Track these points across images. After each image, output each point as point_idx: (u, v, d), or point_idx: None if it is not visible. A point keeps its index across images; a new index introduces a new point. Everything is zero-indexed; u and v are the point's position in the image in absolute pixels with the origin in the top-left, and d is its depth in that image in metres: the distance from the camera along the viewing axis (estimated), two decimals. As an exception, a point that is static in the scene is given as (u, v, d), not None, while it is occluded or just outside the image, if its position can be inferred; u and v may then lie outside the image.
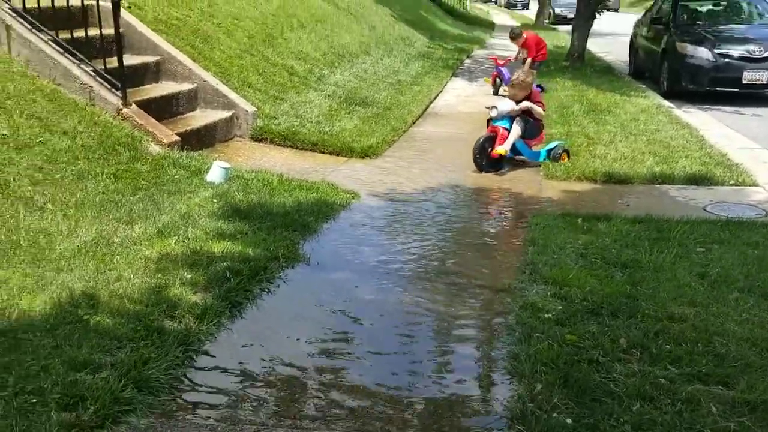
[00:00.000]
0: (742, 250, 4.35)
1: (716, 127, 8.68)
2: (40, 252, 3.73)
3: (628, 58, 14.82)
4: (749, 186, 6.02)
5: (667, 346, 3.11)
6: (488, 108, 6.70)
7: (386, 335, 3.41)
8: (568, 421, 2.55)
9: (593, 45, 17.71)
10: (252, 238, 4.27)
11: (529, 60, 10.71)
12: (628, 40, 14.88)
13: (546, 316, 3.45)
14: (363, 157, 6.91)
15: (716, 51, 10.66)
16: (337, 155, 6.93)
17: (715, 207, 5.44)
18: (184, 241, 4.10)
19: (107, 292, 3.36)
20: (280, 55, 9.55)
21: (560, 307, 3.54)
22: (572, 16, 18.27)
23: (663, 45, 11.60)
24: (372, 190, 5.78)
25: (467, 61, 15.95)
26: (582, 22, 14.85)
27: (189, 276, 3.65)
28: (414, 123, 8.69)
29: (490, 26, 30.11)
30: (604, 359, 3.02)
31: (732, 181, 6.07)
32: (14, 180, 4.44)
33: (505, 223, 5.29)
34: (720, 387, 2.80)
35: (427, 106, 9.87)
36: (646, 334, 3.23)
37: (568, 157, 6.70)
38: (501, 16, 41.06)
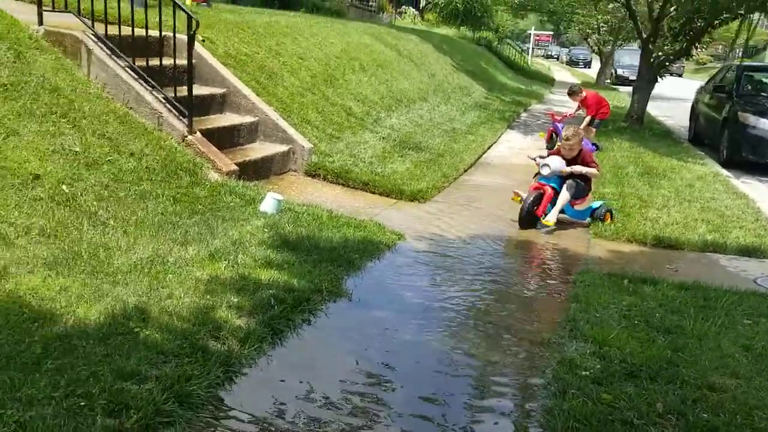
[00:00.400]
0: (790, 327, 4.25)
1: (774, 200, 8.50)
2: (99, 264, 3.92)
3: (688, 124, 14.69)
4: (804, 262, 5.88)
5: (705, 415, 3.07)
6: (537, 163, 6.56)
7: (421, 380, 3.44)
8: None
9: (654, 108, 17.64)
10: (298, 270, 4.39)
11: (587, 118, 10.76)
12: (689, 105, 14.78)
13: (583, 373, 3.43)
14: (412, 200, 7.02)
15: (779, 123, 10.50)
16: (387, 196, 7.06)
17: (765, 280, 5.33)
18: (233, 266, 4.24)
19: (158, 308, 3.50)
20: (340, 96, 9.83)
21: (598, 366, 3.53)
22: (633, 77, 18.29)
23: (725, 113, 11.48)
24: (418, 233, 5.86)
25: (524, 115, 16.05)
26: (643, 85, 14.83)
27: (235, 300, 3.77)
28: (465, 171, 8.79)
29: (550, 82, 30.28)
30: (638, 422, 3.00)
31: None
32: (81, 195, 4.69)
33: (549, 278, 5.28)
34: (757, 462, 2.75)
35: (480, 156, 9.96)
36: (684, 401, 3.19)
37: (612, 217, 6.60)
38: (562, 73, 41.22)
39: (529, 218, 6.34)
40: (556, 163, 6.38)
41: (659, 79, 15.14)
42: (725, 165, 10.79)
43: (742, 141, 10.80)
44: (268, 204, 5.55)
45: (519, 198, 6.50)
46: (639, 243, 6.17)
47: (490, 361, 3.66)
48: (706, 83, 14.37)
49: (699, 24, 13.77)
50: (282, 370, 3.31)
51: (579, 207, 6.67)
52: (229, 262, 4.29)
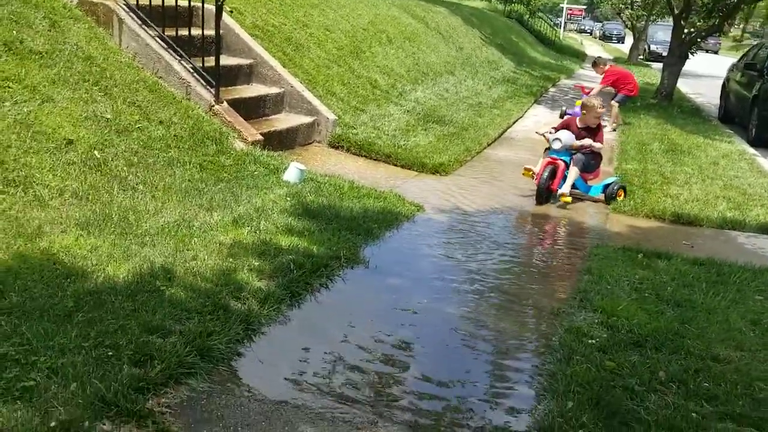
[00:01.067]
0: (802, 304, 4.29)
1: (801, 180, 8.41)
2: (128, 226, 4.11)
3: (718, 102, 14.47)
4: (825, 242, 5.87)
5: (706, 384, 3.16)
6: (547, 138, 6.62)
7: (432, 342, 3.57)
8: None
9: (685, 85, 17.36)
10: (318, 237, 4.53)
11: (602, 88, 10.64)
12: (721, 83, 14.54)
13: (589, 341, 3.54)
14: (433, 174, 7.11)
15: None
16: (409, 169, 7.16)
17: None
18: (255, 232, 4.40)
19: (183, 269, 3.68)
20: (366, 68, 9.90)
21: (605, 335, 3.63)
22: (665, 53, 17.97)
23: (755, 91, 11.30)
24: (437, 206, 5.97)
25: (552, 90, 15.94)
26: (673, 61, 14.60)
27: (257, 264, 3.94)
28: (489, 145, 8.84)
29: (581, 57, 29.80)
30: (639, 389, 3.10)
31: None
32: (112, 160, 4.88)
33: (564, 251, 5.36)
34: (753, 429, 2.84)
35: (505, 131, 9.98)
36: (687, 370, 3.28)
37: (625, 194, 6.62)
38: (594, 48, 40.45)
39: (545, 193, 6.40)
40: (566, 137, 6.43)
41: (690, 55, 14.89)
42: (754, 144, 10.67)
43: (771, 119, 10.66)
44: (292, 173, 5.70)
45: (530, 173, 6.59)
46: (657, 219, 6.21)
47: (500, 328, 3.78)
48: (738, 61, 14.11)
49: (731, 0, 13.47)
50: (299, 330, 3.47)
51: (592, 182, 6.74)
52: (251, 228, 4.45)
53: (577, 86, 13.28)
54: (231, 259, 3.93)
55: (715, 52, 40.80)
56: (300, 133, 7.33)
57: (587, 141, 6.46)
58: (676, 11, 14.36)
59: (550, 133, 6.65)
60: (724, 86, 14.19)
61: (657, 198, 6.63)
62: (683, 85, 16.74)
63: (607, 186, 6.64)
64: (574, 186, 6.49)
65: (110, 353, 2.78)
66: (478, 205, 6.21)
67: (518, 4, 32.00)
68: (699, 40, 14.45)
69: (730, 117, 13.22)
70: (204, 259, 3.85)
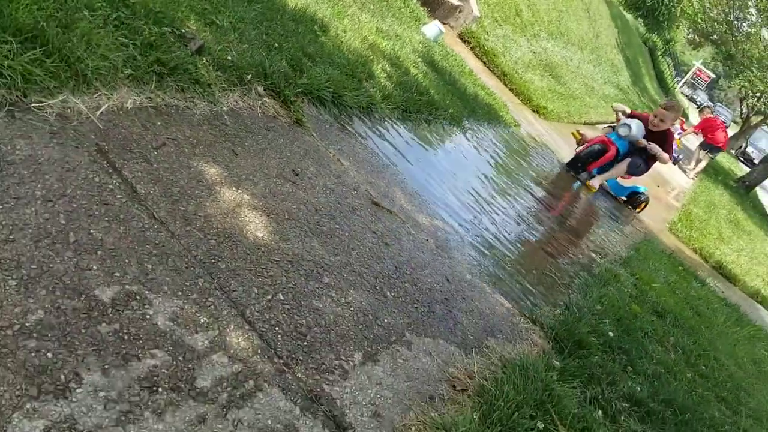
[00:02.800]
0: None
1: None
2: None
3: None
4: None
5: (703, 366, 3.48)
6: (618, 117, 5.86)
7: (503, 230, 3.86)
8: (611, 333, 2.96)
9: (764, 195, 17.24)
10: (436, 85, 4.75)
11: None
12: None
13: (623, 287, 3.82)
14: (534, 112, 7.28)
15: None
16: (516, 95, 7.32)
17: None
18: (392, 49, 4.62)
19: (334, 32, 3.91)
20: (519, -4, 9.89)
21: (635, 293, 3.91)
22: (757, 161, 17.79)
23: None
24: (530, 132, 6.16)
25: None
26: (774, 159, 14.48)
27: (388, 69, 4.18)
28: (585, 124, 8.95)
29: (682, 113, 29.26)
30: (650, 336, 3.40)
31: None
32: None
33: (622, 227, 5.52)
34: (724, 408, 3.16)
35: (600, 123, 10.05)
36: (693, 349, 3.59)
37: (645, 207, 6.31)
38: (693, 117, 39.65)
39: (578, 164, 5.88)
40: (636, 129, 5.67)
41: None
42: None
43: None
44: (431, 29, 5.87)
45: (579, 136, 6.08)
46: (702, 257, 6.43)
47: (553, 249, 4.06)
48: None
49: None
50: (392, 132, 3.74)
51: (624, 182, 6.26)
52: (390, 43, 4.66)
53: (680, 119, 13.89)
54: (370, 52, 4.16)
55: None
56: (443, 7, 7.43)
57: (656, 147, 5.67)
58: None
59: (624, 115, 5.89)
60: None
61: (709, 243, 6.84)
62: (760, 191, 16.66)
63: (634, 193, 6.25)
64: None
65: (276, 46, 3.04)
66: (565, 150, 6.39)
67: (658, 38, 31.25)
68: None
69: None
70: (350, 38, 4.08)
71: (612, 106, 6.22)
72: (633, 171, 5.88)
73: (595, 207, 5.64)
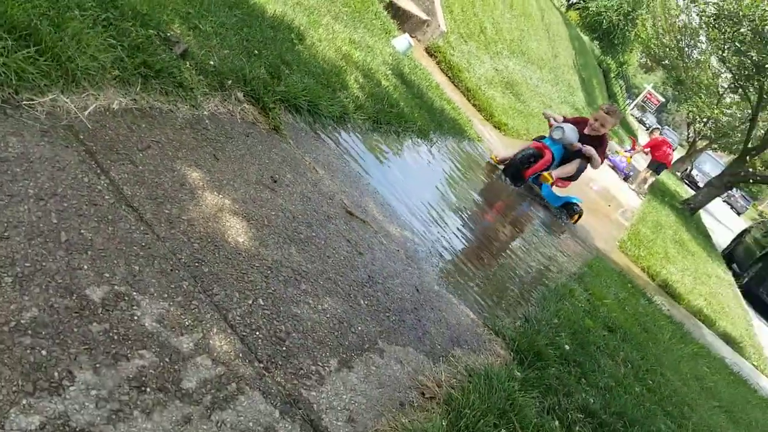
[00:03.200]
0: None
1: None
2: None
3: (727, 243, 15.14)
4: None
5: (651, 381, 3.64)
6: (550, 123, 5.81)
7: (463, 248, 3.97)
8: (566, 347, 3.09)
9: (707, 217, 17.93)
10: (405, 98, 4.85)
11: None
12: (731, 236, 15.28)
13: (577, 302, 3.98)
14: (495, 128, 7.45)
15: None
16: (479, 111, 7.48)
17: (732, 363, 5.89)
18: (364, 60, 4.70)
19: (310, 40, 3.96)
20: (483, 13, 10.11)
21: (588, 307, 4.07)
22: (702, 185, 18.53)
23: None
24: (491, 148, 6.32)
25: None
26: (718, 184, 15.02)
27: (360, 80, 4.25)
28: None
29: (631, 135, 30.17)
30: (602, 350, 3.55)
31: (752, 361, 6.52)
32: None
33: (575, 249, 5.73)
34: (667, 420, 3.32)
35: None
36: (641, 365, 3.75)
37: (578, 219, 6.21)
38: (642, 138, 40.92)
39: (516, 172, 5.71)
40: (570, 132, 5.63)
41: (733, 189, 15.41)
42: (744, 295, 11.20)
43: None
44: (401, 42, 5.97)
45: (497, 160, 5.85)
46: (649, 276, 6.68)
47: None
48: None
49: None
50: (364, 143, 3.81)
51: (559, 192, 6.17)
52: (362, 54, 4.74)
53: (631, 138, 15.39)
54: (343, 63, 4.23)
55: (738, 213, 39.52)
56: (412, 20, 7.56)
57: (591, 149, 5.60)
58: (750, 144, 14.75)
59: (555, 121, 5.81)
60: (743, 233, 14.81)
61: (656, 262, 7.12)
62: (703, 213, 17.32)
63: (568, 203, 6.14)
64: (538, 183, 5.95)
65: (255, 53, 3.08)
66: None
67: (612, 60, 32.20)
68: (751, 181, 14.92)
69: (730, 258, 13.83)
70: (325, 48, 4.14)
71: (543, 113, 6.17)
72: (577, 174, 5.82)
73: (552, 221, 5.82)
